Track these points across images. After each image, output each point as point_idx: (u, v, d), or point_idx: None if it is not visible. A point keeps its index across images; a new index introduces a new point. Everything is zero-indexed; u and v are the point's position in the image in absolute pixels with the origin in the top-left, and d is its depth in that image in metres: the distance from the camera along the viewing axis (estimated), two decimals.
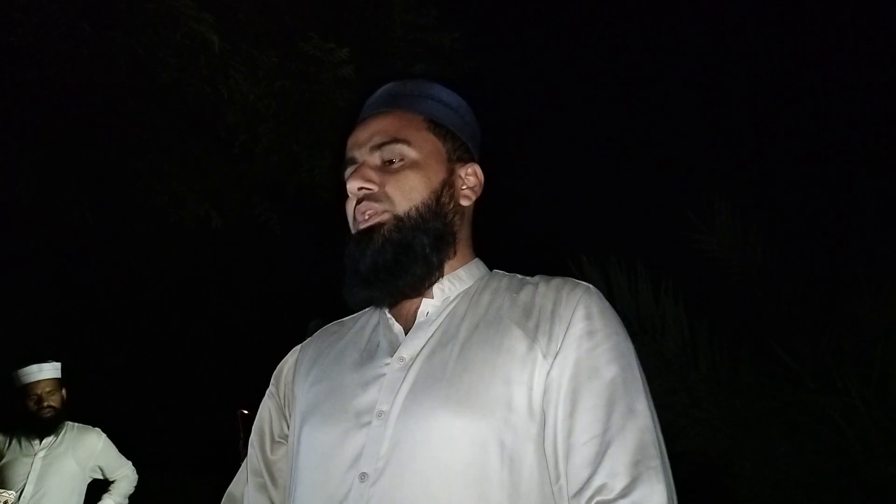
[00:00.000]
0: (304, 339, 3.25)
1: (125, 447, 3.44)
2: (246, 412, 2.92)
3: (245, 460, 1.09)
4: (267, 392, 1.11)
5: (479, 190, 1.06)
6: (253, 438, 1.09)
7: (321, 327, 2.77)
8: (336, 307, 1.16)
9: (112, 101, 3.77)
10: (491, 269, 1.08)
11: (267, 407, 1.09)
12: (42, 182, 4.01)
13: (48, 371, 3.23)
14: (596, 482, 0.81)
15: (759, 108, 6.26)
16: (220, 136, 3.98)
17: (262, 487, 1.05)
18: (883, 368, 2.42)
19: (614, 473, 0.81)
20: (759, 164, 6.01)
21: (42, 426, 3.16)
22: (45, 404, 3.15)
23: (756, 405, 2.53)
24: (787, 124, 6.05)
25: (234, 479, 1.10)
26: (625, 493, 0.80)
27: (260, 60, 3.53)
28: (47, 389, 3.18)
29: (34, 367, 3.22)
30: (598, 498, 0.80)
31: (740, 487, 2.52)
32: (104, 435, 3.35)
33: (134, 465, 3.43)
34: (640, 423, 0.85)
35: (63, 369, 3.33)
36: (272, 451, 1.06)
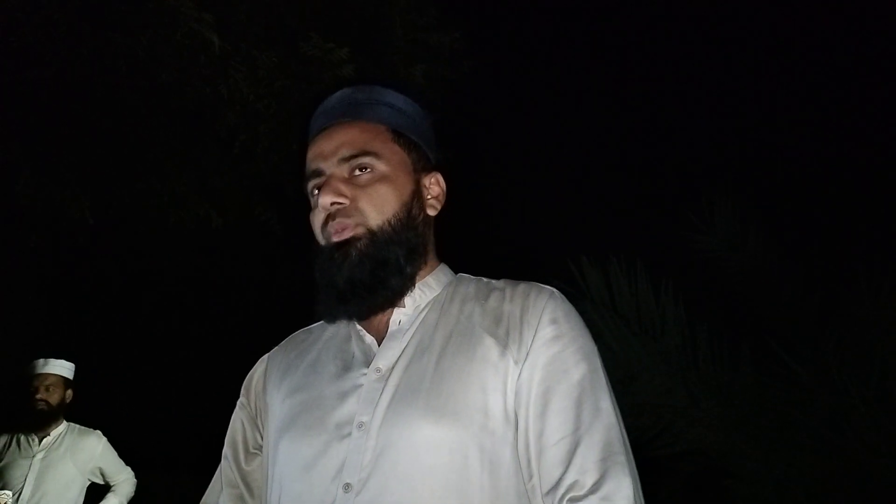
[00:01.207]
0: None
1: (125, 447, 3.43)
2: None
3: (218, 471, 1.09)
4: (238, 403, 1.11)
5: (442, 199, 1.07)
6: (226, 450, 1.09)
7: None
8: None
9: (112, 101, 3.76)
10: (480, 272, 1.09)
11: (239, 418, 1.09)
12: (42, 182, 4.01)
13: (54, 366, 3.22)
14: (567, 480, 0.85)
15: (759, 108, 6.27)
16: (220, 136, 3.98)
17: (239, 498, 1.05)
18: (883, 368, 2.42)
19: (584, 470, 0.84)
20: (759, 164, 6.01)
21: (31, 418, 3.14)
22: (39, 397, 3.13)
23: (756, 405, 2.53)
24: (787, 124, 6.05)
25: (208, 489, 1.10)
26: (594, 488, 0.83)
27: (260, 60, 3.53)
28: (48, 383, 3.17)
29: (41, 360, 3.22)
30: (570, 494, 0.84)
31: (740, 487, 2.52)
32: (104, 438, 3.33)
33: (133, 465, 3.43)
34: (605, 422, 0.88)
35: (75, 373, 3.32)
36: (246, 461, 1.07)
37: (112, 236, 4.97)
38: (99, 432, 3.33)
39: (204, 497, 1.10)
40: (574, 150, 6.57)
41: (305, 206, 1.05)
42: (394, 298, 0.99)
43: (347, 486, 0.86)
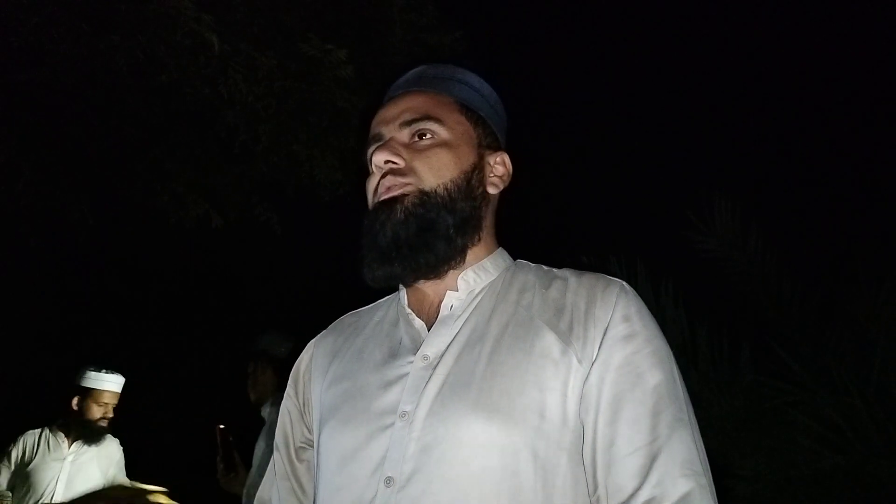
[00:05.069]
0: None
1: (124, 447, 3.42)
2: (223, 427, 2.89)
3: (271, 462, 1.06)
4: (285, 394, 1.06)
5: (507, 179, 1.02)
6: (277, 441, 1.05)
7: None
8: (335, 308, 1.15)
9: (112, 101, 3.76)
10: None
11: (286, 410, 1.05)
12: (42, 182, 4.01)
13: (117, 385, 3.24)
14: (642, 495, 0.77)
15: (759, 107, 6.26)
16: (220, 136, 3.98)
17: (292, 492, 1.01)
18: (883, 368, 2.42)
19: (662, 487, 0.76)
20: (759, 164, 6.01)
21: (91, 433, 3.15)
22: (107, 415, 3.16)
23: (756, 405, 2.53)
24: (787, 124, 6.05)
25: (262, 482, 1.07)
26: None
27: (259, 61, 3.53)
28: (113, 402, 3.20)
29: (114, 378, 3.23)
30: None
31: (740, 487, 2.52)
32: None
33: (133, 469, 3.40)
34: (686, 436, 0.81)
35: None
36: (297, 456, 1.02)
37: (112, 236, 4.98)
38: (117, 440, 3.32)
39: (259, 490, 1.06)
40: (573, 149, 6.57)
41: (363, 176, 1.00)
42: (438, 266, 0.91)
43: (389, 480, 0.80)
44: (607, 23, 6.50)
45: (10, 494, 2.91)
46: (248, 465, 2.76)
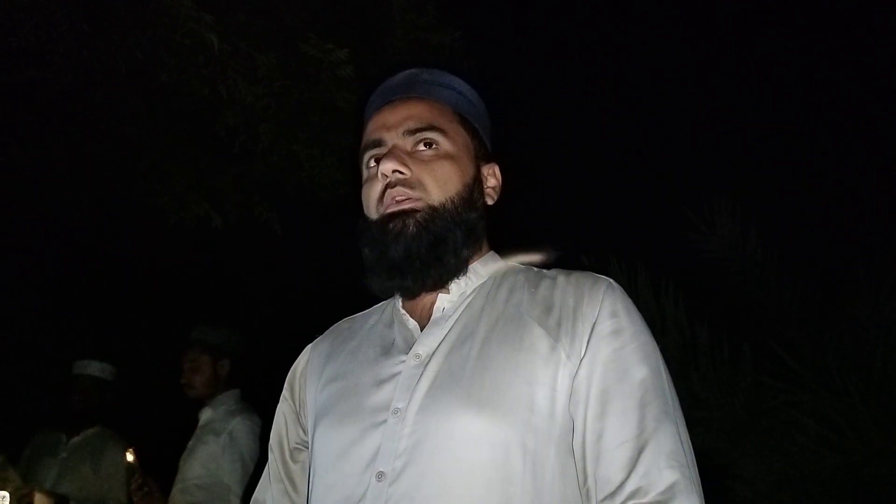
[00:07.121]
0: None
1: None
2: (132, 449, 2.72)
3: (267, 465, 1.07)
4: (281, 396, 1.07)
5: (499, 190, 1.06)
6: (272, 444, 1.06)
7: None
8: (335, 308, 1.15)
9: (112, 101, 3.76)
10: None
11: (282, 412, 1.06)
12: (42, 182, 4.01)
13: (92, 368, 3.20)
14: (629, 486, 0.79)
15: (758, 107, 6.26)
16: (219, 136, 3.98)
17: (285, 493, 1.03)
18: (883, 368, 2.41)
19: (648, 478, 0.79)
20: (759, 164, 6.01)
21: (67, 418, 3.12)
22: (77, 397, 3.13)
23: (756, 405, 2.53)
24: (786, 124, 6.05)
25: (259, 484, 1.08)
26: (659, 500, 0.78)
27: (259, 61, 3.53)
28: (86, 385, 3.16)
29: (82, 362, 3.21)
30: (631, 502, 0.78)
31: (740, 487, 2.52)
32: (132, 454, 3.23)
33: None
34: (672, 429, 0.83)
35: (118, 377, 3.29)
36: (292, 457, 1.04)
37: (112, 236, 4.97)
38: (130, 449, 3.24)
39: (255, 492, 1.07)
40: (573, 150, 6.57)
41: (356, 181, 1.00)
42: (446, 279, 0.94)
43: (381, 475, 0.82)
44: (608, 23, 6.51)
45: (8, 495, 2.90)
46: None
